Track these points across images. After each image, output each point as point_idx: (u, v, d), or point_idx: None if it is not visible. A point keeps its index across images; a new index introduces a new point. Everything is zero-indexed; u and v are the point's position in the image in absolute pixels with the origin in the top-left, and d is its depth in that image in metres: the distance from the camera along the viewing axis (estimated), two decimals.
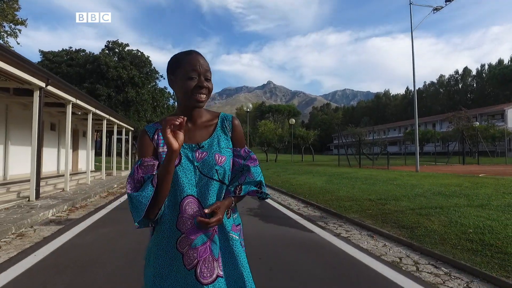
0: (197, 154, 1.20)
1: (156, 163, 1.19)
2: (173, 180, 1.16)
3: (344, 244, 4.29)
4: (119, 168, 18.08)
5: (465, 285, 3.00)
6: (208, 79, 1.20)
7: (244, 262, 1.24)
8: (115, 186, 11.37)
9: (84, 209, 6.90)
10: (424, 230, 4.45)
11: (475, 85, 75.57)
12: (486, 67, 73.65)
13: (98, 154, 22.14)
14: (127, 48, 37.54)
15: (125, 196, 8.81)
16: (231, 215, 1.28)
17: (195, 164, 1.19)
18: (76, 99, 9.46)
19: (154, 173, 1.16)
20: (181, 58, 1.21)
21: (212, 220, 1.11)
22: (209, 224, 1.10)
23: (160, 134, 1.23)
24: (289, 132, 37.29)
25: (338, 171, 15.80)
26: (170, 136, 1.06)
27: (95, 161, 18.40)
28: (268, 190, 10.17)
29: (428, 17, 15.66)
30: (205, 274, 1.14)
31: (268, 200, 8.27)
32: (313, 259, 3.67)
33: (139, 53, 37.36)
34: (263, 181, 1.31)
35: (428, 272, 3.30)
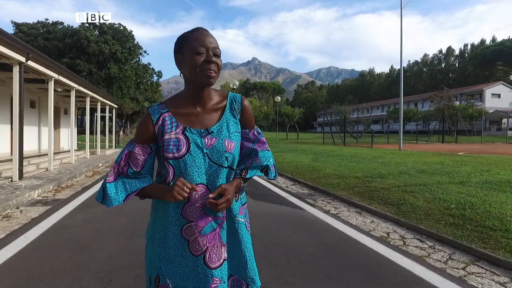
0: (206, 140, 1.16)
1: (143, 159, 1.18)
2: (181, 168, 1.15)
3: (334, 221, 4.43)
4: (103, 147, 17.76)
5: (447, 256, 3.19)
6: (218, 55, 1.15)
7: (247, 244, 1.26)
8: (100, 165, 11.21)
9: (70, 188, 6.80)
10: (409, 207, 4.63)
11: (457, 65, 76.79)
12: (469, 47, 74.70)
13: (80, 132, 21.61)
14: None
15: None
16: (239, 196, 1.28)
17: (205, 151, 1.16)
18: (58, 75, 9.10)
19: (139, 171, 1.18)
20: (187, 36, 1.16)
21: (221, 202, 1.11)
22: (218, 206, 1.11)
23: (166, 118, 1.18)
24: (274, 109, 37.28)
25: (324, 149, 16.04)
26: (177, 195, 1.08)
27: (78, 140, 17.99)
28: None
29: None
30: (213, 259, 1.16)
31: (257, 178, 8.35)
32: (305, 235, 3.79)
33: (122, 27, 35.83)
34: (271, 165, 1.30)
35: (414, 246, 3.47)
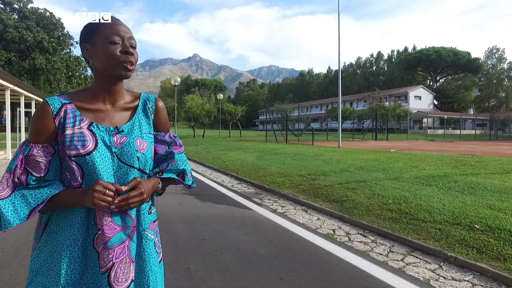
0: (115, 139, 1.03)
1: (46, 161, 0.98)
2: (88, 168, 0.98)
3: (282, 220, 4.47)
4: None
5: (388, 249, 3.40)
6: (134, 47, 1.05)
7: (153, 267, 1.10)
8: None
9: None
10: (352, 203, 4.87)
11: (386, 69, 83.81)
12: (395, 53, 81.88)
13: (0, 129, 19.20)
14: (30, 5, 32.15)
15: None
16: (152, 209, 1.16)
17: (113, 150, 1.02)
18: None
19: (43, 176, 0.97)
20: (97, 23, 1.03)
21: (133, 194, 0.97)
22: (129, 200, 0.96)
23: (68, 111, 1.00)
24: (216, 107, 36.98)
25: (267, 147, 16.30)
26: (100, 202, 0.92)
27: None
28: (199, 167, 9.92)
29: (352, 1, 16.56)
30: (120, 279, 0.99)
31: (201, 178, 8.18)
32: (255, 236, 3.76)
33: (48, 13, 32.39)
34: (187, 170, 1.18)
35: (358, 241, 3.64)
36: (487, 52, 65.27)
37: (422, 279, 2.73)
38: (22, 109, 14.04)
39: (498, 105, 60.64)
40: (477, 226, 3.56)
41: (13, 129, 17.14)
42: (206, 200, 5.63)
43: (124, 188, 0.98)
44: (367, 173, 7.03)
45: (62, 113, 0.99)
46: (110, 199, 0.93)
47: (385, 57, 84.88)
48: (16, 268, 2.83)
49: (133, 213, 1.05)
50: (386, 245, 3.52)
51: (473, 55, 63.50)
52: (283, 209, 5.09)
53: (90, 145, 0.98)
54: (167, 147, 1.16)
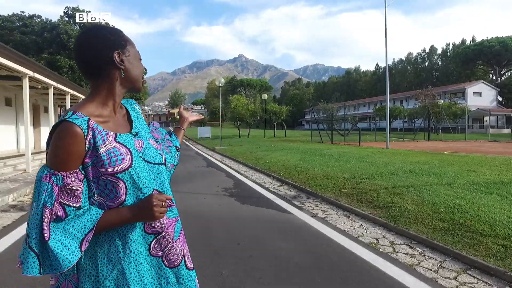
0: (136, 144, 1.03)
1: (81, 188, 0.90)
2: (132, 181, 0.95)
3: (322, 226, 4.31)
4: None
5: (438, 265, 3.10)
6: None
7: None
8: None
9: None
10: (398, 210, 4.55)
11: (440, 64, 78.16)
12: (451, 46, 76.13)
13: None
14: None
15: None
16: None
17: (139, 155, 1.02)
18: (33, 72, 8.69)
19: (80, 205, 0.89)
20: (124, 35, 1.06)
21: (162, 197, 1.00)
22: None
23: (94, 127, 0.92)
24: (261, 107, 37.11)
25: (311, 147, 15.99)
26: (160, 214, 0.97)
27: None
28: (243, 168, 9.96)
29: None
30: (189, 259, 1.13)
31: (244, 179, 8.21)
32: (293, 243, 3.65)
33: (104, 23, 35.02)
34: (178, 145, 1.35)
35: (404, 253, 3.37)
36: None
37: None
38: None
39: None
40: None
41: None
42: (246, 202, 5.62)
43: (169, 196, 1.05)
44: (417, 177, 6.55)
45: (90, 132, 0.92)
46: (166, 208, 0.98)
47: (439, 51, 79.20)
48: None
49: (175, 203, 1.13)
50: (436, 260, 3.21)
51: None
52: (324, 214, 4.92)
53: (128, 157, 0.96)
54: (160, 133, 1.30)
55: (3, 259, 3.12)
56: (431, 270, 2.98)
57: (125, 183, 0.94)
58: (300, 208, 5.24)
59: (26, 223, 4.25)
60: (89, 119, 0.93)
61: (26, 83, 8.50)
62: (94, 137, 0.92)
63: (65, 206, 0.87)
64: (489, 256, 3.08)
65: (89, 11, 34.42)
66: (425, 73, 77.97)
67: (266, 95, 37.69)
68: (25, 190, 6.20)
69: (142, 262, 0.97)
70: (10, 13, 34.22)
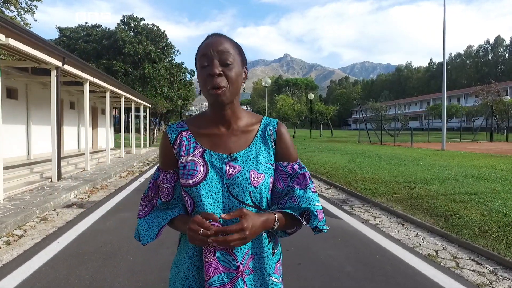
0: (228, 168, 0.92)
1: (169, 187, 1.00)
2: (194, 198, 0.92)
3: (374, 233, 4.06)
4: (138, 145, 18.27)
5: None
6: (227, 64, 0.90)
7: None
8: (135, 164, 11.44)
9: (104, 190, 6.91)
10: (460, 220, 4.15)
11: (507, 56, 71.21)
12: None
13: (116, 130, 22.39)
14: (142, 22, 36.87)
15: (145, 176, 8.82)
16: (275, 250, 1.00)
17: (224, 181, 0.91)
18: (93, 77, 9.33)
19: (168, 201, 1.02)
20: (200, 46, 0.95)
21: (232, 229, 0.81)
22: (228, 237, 0.81)
23: (184, 138, 0.98)
24: (307, 107, 36.60)
25: (360, 148, 15.39)
26: (195, 236, 0.83)
27: (114, 138, 18.61)
28: None
29: None
30: None
31: None
32: (343, 251, 3.47)
33: (155, 28, 36.71)
34: (314, 209, 0.96)
35: (470, 270, 3.05)
36: None
37: None
38: (133, 113, 16.09)
39: None
40: None
41: (127, 130, 19.82)
42: None
43: (222, 216, 0.85)
44: (480, 183, 5.96)
45: (178, 142, 0.98)
46: (206, 239, 0.82)
47: (507, 42, 72.07)
48: (119, 261, 3.14)
49: (238, 255, 0.91)
50: (511, 281, 2.84)
51: None
52: (375, 220, 4.65)
53: (200, 175, 0.92)
54: (289, 180, 0.99)
55: (63, 256, 3.32)
56: None
57: (191, 198, 0.94)
58: (349, 214, 5.01)
59: (85, 219, 4.57)
60: (182, 130, 1.00)
61: (87, 88, 9.16)
62: (180, 146, 0.98)
63: (158, 197, 1.02)
64: None
65: (143, 18, 36.44)
66: (488, 67, 71.55)
67: (312, 95, 37.05)
68: (84, 188, 6.65)
69: (194, 274, 0.96)
70: (77, 25, 37.33)
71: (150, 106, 20.23)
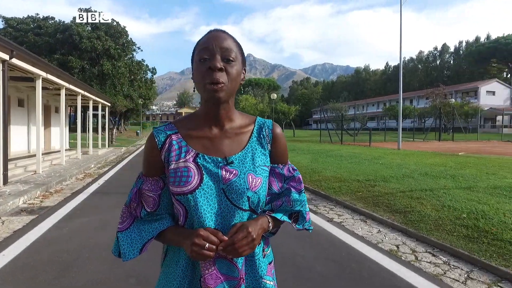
0: (224, 173, 0.87)
1: (155, 196, 0.92)
2: (190, 208, 0.86)
3: (339, 231, 4.17)
4: (95, 146, 17.36)
5: (466, 275, 2.94)
6: (230, 60, 0.87)
7: None
8: (92, 166, 10.84)
9: (59, 194, 6.46)
10: (417, 215, 4.38)
11: (452, 62, 76.95)
12: (464, 44, 74.87)
13: (72, 130, 21.15)
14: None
15: (105, 178, 8.39)
16: (266, 250, 0.97)
17: (221, 186, 0.87)
18: (46, 73, 8.70)
19: (154, 211, 0.93)
20: (198, 42, 0.92)
21: (239, 237, 0.80)
22: (236, 245, 0.80)
23: (173, 142, 0.91)
24: (270, 107, 36.99)
25: (322, 148, 15.80)
26: (195, 255, 0.81)
27: (70, 138, 17.56)
28: None
29: None
30: None
31: None
32: (312, 250, 3.51)
33: (115, 23, 35.08)
34: (304, 211, 0.99)
35: (427, 262, 3.22)
36: None
37: None
38: (91, 112, 15.28)
39: None
40: None
41: (83, 130, 18.79)
42: None
43: (226, 238, 0.83)
44: (434, 180, 6.35)
45: (167, 146, 0.90)
46: (211, 253, 0.79)
47: (451, 49, 77.93)
48: (77, 272, 2.93)
49: (239, 262, 0.88)
50: (462, 269, 3.05)
51: None
52: (340, 218, 4.77)
53: (194, 182, 0.86)
54: (283, 182, 0.98)
55: (11, 269, 3.02)
56: (458, 281, 2.83)
57: (184, 207, 0.88)
58: (314, 212, 5.10)
59: (37, 226, 4.22)
60: (171, 133, 0.92)
61: (39, 84, 8.51)
62: (169, 151, 0.90)
63: (142, 208, 0.93)
64: None
65: (102, 12, 34.73)
66: (436, 72, 76.85)
67: (275, 95, 37.52)
68: (36, 192, 6.18)
69: None
70: (26, 16, 34.66)
71: (109, 104, 19.32)
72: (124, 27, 35.78)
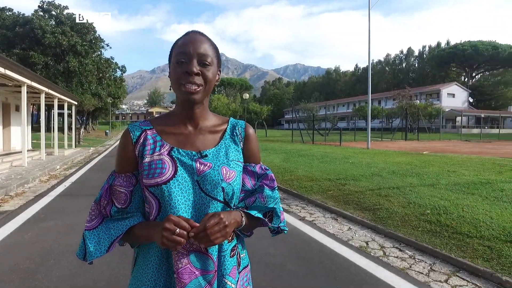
0: (198, 165, 0.90)
1: (127, 192, 0.93)
2: (164, 199, 0.87)
3: (311, 229, 4.26)
4: (61, 146, 16.59)
5: (429, 267, 3.10)
6: (206, 64, 0.91)
7: None
8: (58, 167, 10.36)
9: (21, 197, 6.12)
10: (385, 212, 4.56)
11: (416, 65, 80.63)
12: (427, 48, 78.65)
13: (35, 129, 20.06)
14: (66, 11, 33.52)
15: (71, 180, 8.05)
16: (236, 251, 0.97)
17: (195, 178, 0.89)
18: (5, 69, 8.21)
19: (124, 208, 0.93)
20: (175, 42, 0.95)
21: (212, 223, 0.80)
22: (209, 234, 0.79)
23: (148, 137, 0.93)
24: (242, 106, 37.03)
25: (293, 147, 16.03)
26: (166, 242, 0.79)
27: (33, 138, 16.67)
28: None
29: None
30: None
31: None
32: (284, 249, 3.56)
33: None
34: (278, 210, 1.01)
35: (394, 257, 3.37)
36: None
37: None
38: (56, 111, 14.59)
39: None
40: None
41: (48, 129, 17.93)
42: None
43: (193, 232, 0.82)
44: (400, 178, 6.64)
45: (141, 140, 0.93)
46: (182, 239, 0.78)
47: (416, 53, 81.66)
48: (41, 279, 2.80)
49: (214, 254, 0.89)
50: (426, 262, 3.22)
51: None
52: (311, 217, 4.87)
53: (169, 173, 0.88)
54: (256, 180, 1.00)
55: None
56: (422, 273, 2.98)
57: (157, 199, 0.89)
58: (287, 211, 5.17)
59: None
60: (146, 129, 0.95)
61: None
62: (144, 145, 0.92)
63: (112, 205, 0.93)
64: (476, 258, 3.12)
65: (66, 6, 33.19)
66: (403, 74, 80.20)
67: (247, 95, 37.61)
68: None
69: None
70: None
71: (76, 103, 18.53)
72: (92, 23, 34.40)
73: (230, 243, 0.94)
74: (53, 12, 33.08)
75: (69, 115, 18.83)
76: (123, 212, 0.94)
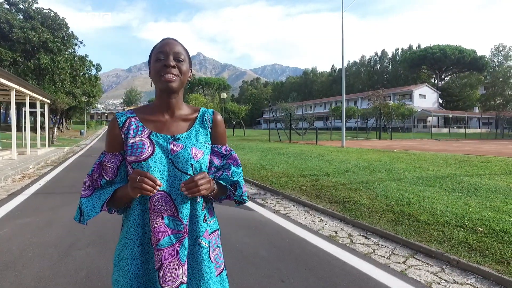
0: (172, 146, 1.11)
1: (114, 167, 1.14)
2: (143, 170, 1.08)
3: (284, 221, 4.48)
4: (34, 146, 16.08)
5: (390, 252, 3.40)
6: (180, 60, 1.14)
7: (205, 274, 1.13)
8: (31, 167, 10.12)
9: None
10: (354, 204, 4.86)
11: (390, 67, 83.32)
12: (400, 51, 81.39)
13: (4, 128, 19.29)
14: (35, 5, 32.18)
15: (46, 178, 7.92)
16: (207, 218, 1.20)
17: (169, 156, 1.10)
18: None
19: (112, 179, 1.14)
20: (154, 46, 1.17)
21: (199, 177, 1.04)
22: (198, 184, 1.03)
23: (132, 123, 1.15)
24: (220, 106, 37.02)
25: (271, 146, 16.31)
26: (135, 187, 1.00)
27: (1, 137, 16.06)
28: None
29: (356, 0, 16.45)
30: (167, 279, 1.05)
31: None
32: (258, 238, 3.77)
33: (52, 13, 32.45)
34: (241, 183, 1.22)
35: (360, 243, 3.65)
36: (493, 50, 64.37)
37: (423, 282, 2.73)
38: (27, 109, 14.16)
39: (504, 103, 60.01)
40: (480, 228, 3.54)
41: (19, 129, 17.23)
42: None
43: (160, 183, 1.02)
44: (370, 173, 7.01)
45: (126, 125, 1.14)
46: (147, 186, 0.98)
47: (390, 55, 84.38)
48: (21, 270, 2.86)
49: (184, 218, 1.09)
50: (388, 247, 3.51)
51: (479, 53, 63.08)
52: (285, 210, 5.10)
53: (147, 152, 1.09)
54: (223, 159, 1.22)
55: None
56: (384, 257, 3.27)
57: None
58: (262, 206, 5.38)
59: None
60: (130, 116, 1.16)
61: None
62: (128, 130, 1.13)
63: (102, 178, 1.14)
64: (431, 241, 3.45)
65: (35, 0, 31.96)
66: (377, 75, 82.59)
67: (225, 94, 37.64)
68: None
69: (138, 245, 1.12)
70: None
71: (49, 101, 18.00)
72: (64, 18, 33.29)
73: (202, 211, 1.16)
74: (21, 6, 31.67)
75: (42, 114, 18.26)
76: (111, 183, 1.15)
